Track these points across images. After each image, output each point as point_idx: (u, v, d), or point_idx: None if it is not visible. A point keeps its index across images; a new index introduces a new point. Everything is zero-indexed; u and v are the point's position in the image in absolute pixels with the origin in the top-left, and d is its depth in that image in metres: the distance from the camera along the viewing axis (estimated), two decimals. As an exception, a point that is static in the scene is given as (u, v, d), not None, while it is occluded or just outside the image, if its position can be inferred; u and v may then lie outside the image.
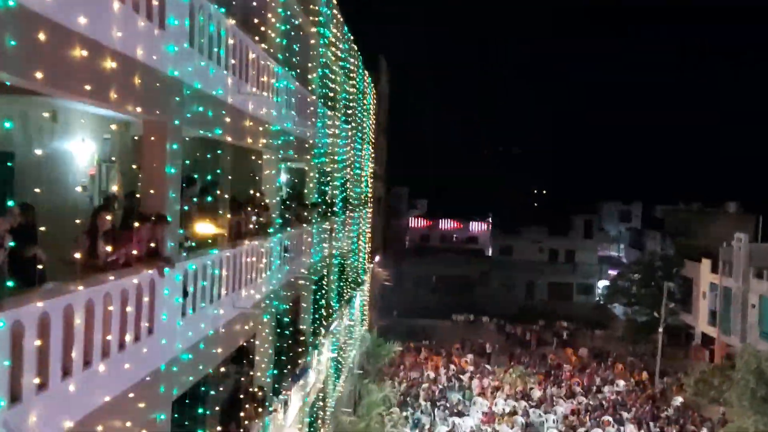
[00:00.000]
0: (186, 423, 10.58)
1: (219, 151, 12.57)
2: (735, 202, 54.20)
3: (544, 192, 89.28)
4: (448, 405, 35.03)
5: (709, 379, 31.02)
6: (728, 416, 27.91)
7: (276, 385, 14.81)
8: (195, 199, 9.71)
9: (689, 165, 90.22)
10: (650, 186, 79.15)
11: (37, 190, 8.26)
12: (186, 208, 9.03)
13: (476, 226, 77.01)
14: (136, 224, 7.32)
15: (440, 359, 43.07)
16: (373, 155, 37.91)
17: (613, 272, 60.58)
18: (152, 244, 7.55)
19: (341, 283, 26.12)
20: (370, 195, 37.05)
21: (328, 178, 21.80)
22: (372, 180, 38.81)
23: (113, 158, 11.32)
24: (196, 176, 10.47)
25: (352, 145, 27.57)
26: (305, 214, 17.50)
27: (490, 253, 69.96)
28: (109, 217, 7.05)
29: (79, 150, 11.77)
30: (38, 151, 10.60)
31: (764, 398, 24.68)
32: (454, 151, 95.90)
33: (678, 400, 36.11)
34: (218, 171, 12.41)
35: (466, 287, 63.85)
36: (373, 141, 37.78)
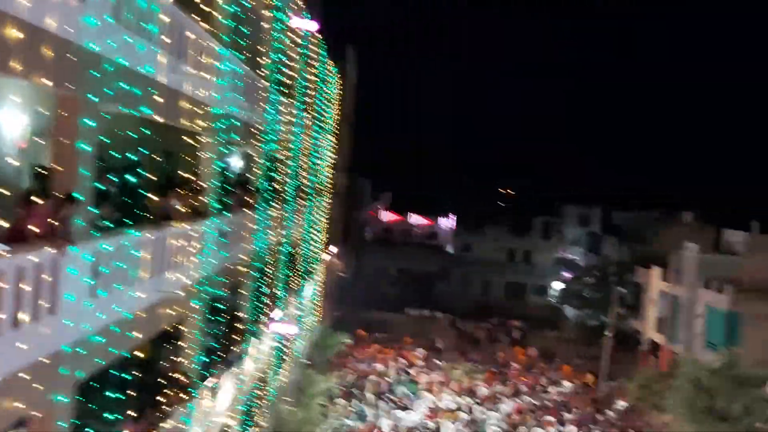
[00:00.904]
0: (99, 407, 10.34)
1: (148, 132, 12.25)
2: (691, 212, 54.99)
3: (511, 192, 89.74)
4: (394, 398, 35.09)
5: (652, 386, 31.48)
6: (671, 426, 28.37)
7: (204, 372, 14.61)
8: (115, 179, 9.45)
9: (652, 171, 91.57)
10: (612, 191, 79.98)
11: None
12: (104, 187, 8.77)
13: (440, 222, 77.36)
14: (38, 201, 7.06)
15: (391, 352, 43.11)
16: (334, 145, 37.68)
17: (568, 275, 61.29)
18: (56, 223, 7.29)
19: (290, 273, 25.91)
20: (328, 185, 36.84)
21: (279, 165, 21.55)
22: (332, 170, 38.58)
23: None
24: (119, 156, 10.20)
25: (309, 133, 27.34)
26: (248, 199, 17.26)
27: (451, 249, 70.29)
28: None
29: (9, 121, 11.44)
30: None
31: (701, 410, 25.12)
32: (423, 145, 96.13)
33: (621, 403, 36.67)
34: (150, 152, 12.11)
35: (425, 282, 64.13)
36: (335, 131, 37.55)
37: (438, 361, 41.52)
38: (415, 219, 78.28)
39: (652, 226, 55.94)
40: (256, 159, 18.82)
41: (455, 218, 74.69)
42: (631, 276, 48.61)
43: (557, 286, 63.52)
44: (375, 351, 43.46)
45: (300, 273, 28.55)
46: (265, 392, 22.99)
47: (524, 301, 63.68)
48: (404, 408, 33.85)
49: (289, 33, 20.72)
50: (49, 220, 7.22)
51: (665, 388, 28.61)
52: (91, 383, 9.59)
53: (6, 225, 6.88)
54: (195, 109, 12.01)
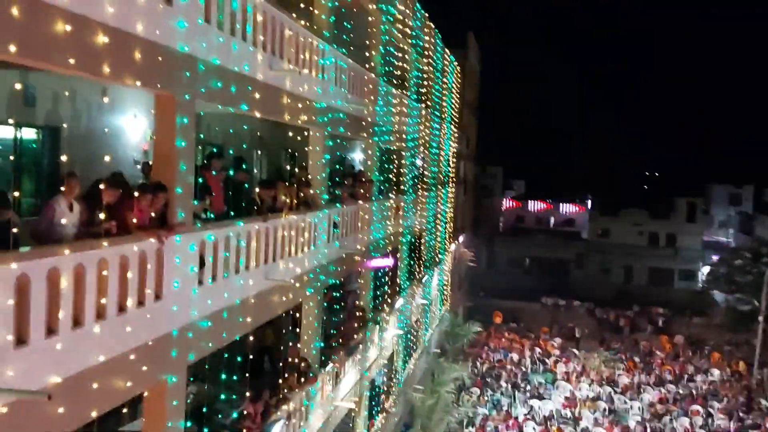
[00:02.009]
0: (216, 389, 11.00)
1: (255, 128, 12.85)
2: None
3: (648, 174, 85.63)
4: (529, 388, 34.59)
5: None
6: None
7: (323, 357, 15.11)
8: (214, 172, 9.99)
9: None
10: (764, 169, 74.24)
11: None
12: (200, 180, 9.31)
13: (573, 209, 75.23)
14: (136, 194, 7.63)
15: (526, 342, 42.47)
16: (455, 135, 37.56)
17: (717, 258, 57.62)
18: (152, 214, 7.85)
19: (413, 262, 26.18)
20: (451, 175, 36.78)
21: (394, 157, 21.81)
22: (455, 160, 38.49)
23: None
24: (224, 150, 10.76)
25: (426, 124, 27.43)
26: (362, 191, 17.62)
27: (586, 236, 68.07)
28: (110, 190, 7.40)
29: (131, 125, 12.40)
30: (87, 126, 11.27)
31: None
32: (555, 130, 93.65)
33: (777, 392, 34.13)
34: (258, 148, 12.68)
35: (560, 270, 62.57)
36: (456, 120, 37.42)
37: (575, 350, 40.42)
38: (547, 205, 76.53)
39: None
40: (369, 151, 19.14)
41: (592, 203, 72.26)
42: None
43: (706, 270, 59.86)
44: (510, 340, 42.96)
45: (424, 262, 28.76)
46: (392, 379, 23.42)
47: (670, 287, 60.42)
48: (540, 397, 33.29)
49: (398, 25, 20.90)
50: (148, 211, 7.77)
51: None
52: (206, 365, 10.23)
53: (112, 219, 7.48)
54: (297, 104, 12.43)
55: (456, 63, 36.56)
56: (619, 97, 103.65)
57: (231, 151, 11.95)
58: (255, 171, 16.62)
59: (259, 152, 17.32)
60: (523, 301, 51.57)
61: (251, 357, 12.32)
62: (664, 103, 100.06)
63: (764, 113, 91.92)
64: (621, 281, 61.80)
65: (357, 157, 23.36)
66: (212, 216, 9.62)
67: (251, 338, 11.77)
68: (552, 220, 75.24)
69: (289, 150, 18.43)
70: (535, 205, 76.51)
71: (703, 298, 53.89)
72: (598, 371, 36.41)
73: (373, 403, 20.69)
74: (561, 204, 75.46)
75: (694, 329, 47.20)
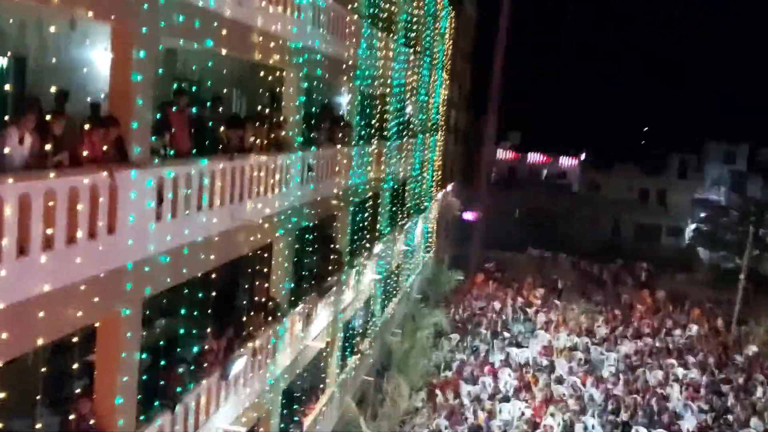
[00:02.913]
0: (187, 324, 11.18)
1: (235, 68, 12.74)
2: None
3: (646, 129, 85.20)
4: (508, 336, 35.10)
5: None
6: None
7: (294, 298, 15.32)
8: (174, 108, 9.95)
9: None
10: (760, 127, 73.82)
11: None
12: (158, 116, 9.28)
13: (572, 162, 75.01)
14: (87, 127, 7.63)
15: (509, 291, 42.93)
16: (447, 82, 37.25)
17: (705, 216, 57.87)
18: (105, 148, 7.86)
19: (395, 209, 26.29)
20: (441, 123, 36.61)
21: (377, 101, 21.69)
22: (445, 108, 38.26)
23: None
24: (201, 88, 10.69)
25: (415, 70, 27.19)
26: (340, 135, 17.58)
27: (577, 189, 68.17)
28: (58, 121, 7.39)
29: (102, 59, 12.27)
30: (54, 58, 11.15)
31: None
32: (552, 82, 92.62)
33: (752, 349, 34.74)
34: (227, 86, 12.59)
35: (549, 222, 62.77)
36: (448, 68, 37.07)
37: (557, 301, 40.89)
38: (542, 157, 76.30)
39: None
40: (350, 95, 19.02)
41: (585, 156, 72.11)
42: (772, 216, 45.22)
43: (693, 227, 60.21)
44: (493, 289, 43.42)
45: (408, 209, 28.88)
46: (369, 322, 23.78)
47: (657, 243, 60.84)
48: (518, 345, 33.84)
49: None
50: (100, 145, 7.78)
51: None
52: (164, 300, 10.38)
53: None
54: (269, 42, 12.30)
55: (450, 9, 36.02)
56: (619, 50, 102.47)
57: (194, 89, 11.85)
58: (235, 111, 16.56)
59: (239, 92, 17.21)
60: (510, 251, 51.94)
61: (219, 294, 12.51)
62: (665, 57, 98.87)
63: (764, 72, 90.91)
64: (609, 235, 62.14)
65: (344, 101, 23.21)
66: (172, 153, 9.61)
67: (219, 276, 11.95)
68: (545, 172, 75.12)
69: (271, 91, 18.30)
70: (534, 157, 76.27)
71: (688, 254, 54.33)
72: (577, 322, 36.92)
73: (347, 344, 21.05)
74: (560, 157, 75.17)
75: (677, 285, 47.72)
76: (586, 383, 29.68)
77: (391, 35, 22.73)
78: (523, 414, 26.13)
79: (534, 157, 75.58)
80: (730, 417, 27.43)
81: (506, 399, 27.44)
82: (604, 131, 78.75)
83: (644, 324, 38.54)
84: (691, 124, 76.89)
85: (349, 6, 17.65)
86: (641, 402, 28.02)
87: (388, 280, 26.14)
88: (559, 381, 29.85)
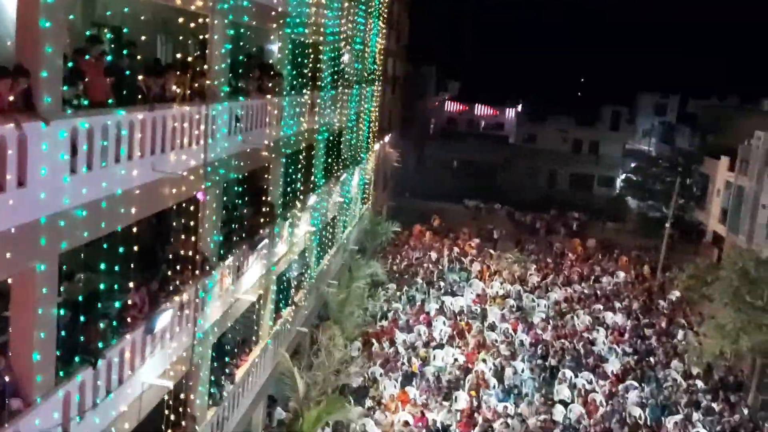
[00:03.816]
0: (109, 279, 10.95)
1: (161, 13, 12.28)
2: (770, 99, 51.99)
3: (580, 80, 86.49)
4: (444, 285, 35.74)
5: (705, 276, 30.83)
6: (716, 316, 27.87)
7: (223, 251, 15.18)
8: (87, 57, 9.57)
9: (733, 59, 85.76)
10: (691, 79, 75.78)
11: None
12: (70, 64, 8.92)
13: (507, 113, 75.71)
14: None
15: (446, 241, 43.53)
16: (384, 31, 36.83)
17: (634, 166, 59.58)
18: (11, 98, 7.52)
19: (330, 160, 26.14)
20: (378, 72, 36.31)
21: (309, 50, 21.30)
22: (382, 57, 37.90)
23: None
24: (105, 35, 10.28)
25: (350, 18, 26.74)
26: (270, 84, 17.24)
27: (513, 140, 69.06)
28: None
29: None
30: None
31: (745, 300, 24.57)
32: (490, 32, 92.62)
33: (675, 294, 36.28)
34: (149, 33, 12.15)
35: (487, 174, 63.57)
36: (384, 16, 36.59)
37: (492, 251, 41.71)
38: (482, 109, 76.80)
39: (729, 114, 53.23)
40: (280, 43, 18.62)
41: (522, 108, 72.90)
42: (698, 166, 46.89)
43: (624, 177, 61.97)
44: (430, 240, 43.96)
45: (344, 161, 28.75)
46: (304, 274, 23.80)
47: (590, 193, 62.46)
48: (453, 294, 34.51)
49: None
50: (7, 96, 7.44)
51: (715, 279, 28.02)
52: (82, 255, 10.14)
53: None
54: (190, -12, 11.88)
55: (386, -44, 35.41)
56: (557, 3, 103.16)
57: (108, 36, 11.40)
58: (158, 58, 16.02)
59: (164, 39, 16.63)
60: (448, 203, 52.51)
61: (144, 248, 12.29)
62: (599, 9, 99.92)
63: (698, 24, 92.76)
64: (544, 186, 63.39)
65: (275, 49, 22.71)
66: (86, 103, 9.26)
67: (144, 229, 11.71)
68: (482, 123, 75.73)
69: (197, 38, 17.74)
70: (481, 109, 76.61)
71: (619, 204, 55.95)
72: (510, 271, 37.79)
73: (281, 296, 21.06)
74: (507, 110, 75.68)
75: (608, 233, 49.21)
76: (517, 329, 30.62)
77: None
78: (456, 360, 26.85)
79: (480, 110, 76.00)
80: (652, 359, 28.77)
81: (440, 346, 28.11)
82: (539, 83, 79.59)
83: (574, 272, 39.78)
84: (624, 76, 78.38)
85: (278, -49, 17.13)
86: (569, 346, 29.10)
87: (324, 232, 26.12)
88: (492, 328, 30.72)
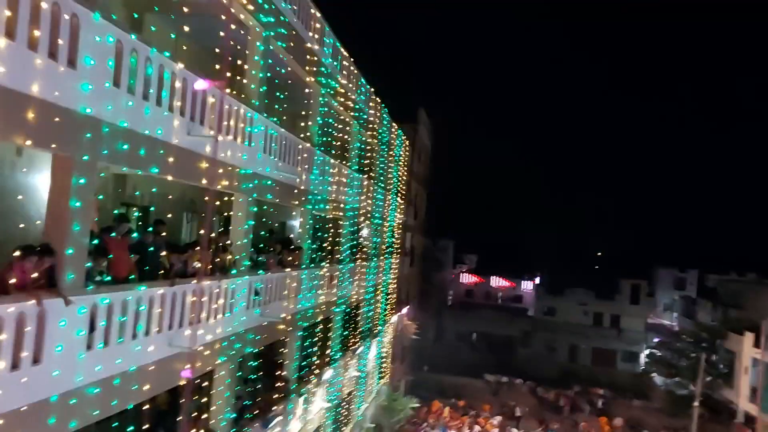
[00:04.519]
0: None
1: (186, 192, 12.79)
2: (790, 274, 51.72)
3: (597, 254, 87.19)
4: (464, 466, 34.01)
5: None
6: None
7: (235, 429, 14.70)
8: (113, 234, 9.86)
9: (749, 235, 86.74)
10: (709, 254, 76.26)
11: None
12: (95, 241, 9.17)
13: (524, 285, 75.79)
14: (17, 254, 7.48)
15: (466, 419, 41.94)
16: (402, 206, 37.90)
17: (658, 341, 58.34)
18: (35, 275, 7.68)
19: (347, 333, 25.93)
20: (396, 246, 36.92)
21: (329, 225, 21.84)
22: (401, 231, 38.71)
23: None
24: (134, 213, 10.64)
25: (369, 194, 27.65)
26: (290, 258, 17.54)
27: (533, 313, 68.50)
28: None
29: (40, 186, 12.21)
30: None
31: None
32: (507, 207, 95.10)
33: (710, 479, 34.13)
34: (175, 211, 12.58)
35: (506, 347, 62.54)
36: (402, 192, 37.83)
37: (514, 430, 40.00)
38: (498, 281, 77.01)
39: (748, 289, 52.80)
40: (301, 218, 19.15)
41: (540, 281, 73.00)
42: (722, 342, 45.82)
43: (648, 353, 60.51)
44: (449, 417, 42.37)
45: (361, 334, 28.49)
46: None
47: (613, 368, 60.81)
48: (474, 477, 32.74)
49: (339, 98, 21.29)
50: (31, 273, 7.59)
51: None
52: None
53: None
54: (217, 169, 12.43)
55: (405, 137, 37.21)
56: (571, 179, 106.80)
57: (136, 214, 11.81)
58: (184, 236, 16.48)
59: (190, 215, 17.20)
60: (467, 377, 51.26)
61: (153, 427, 11.95)
62: (615, 186, 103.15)
63: (710, 201, 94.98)
64: (565, 360, 61.98)
65: (296, 224, 23.33)
66: (108, 279, 9.42)
67: (154, 407, 11.44)
68: (500, 295, 75.62)
69: (224, 215, 18.35)
70: (497, 281, 77.01)
71: (644, 380, 54.24)
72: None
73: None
74: (522, 282, 75.99)
75: (634, 412, 47.29)
76: None
77: (345, 162, 23.24)
78: None
79: (496, 282, 76.31)
80: None
81: None
82: (557, 256, 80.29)
83: (602, 453, 37.80)
84: (640, 250, 79.02)
85: (302, 135, 18.09)
86: None
87: (339, 408, 25.35)
88: None
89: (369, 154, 27.34)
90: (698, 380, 38.96)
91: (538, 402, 48.80)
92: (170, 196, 13.75)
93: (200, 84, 10.76)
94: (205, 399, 13.34)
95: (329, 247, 21.99)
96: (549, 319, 65.07)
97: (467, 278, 76.71)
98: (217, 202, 14.24)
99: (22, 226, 10.38)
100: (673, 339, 52.60)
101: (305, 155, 18.03)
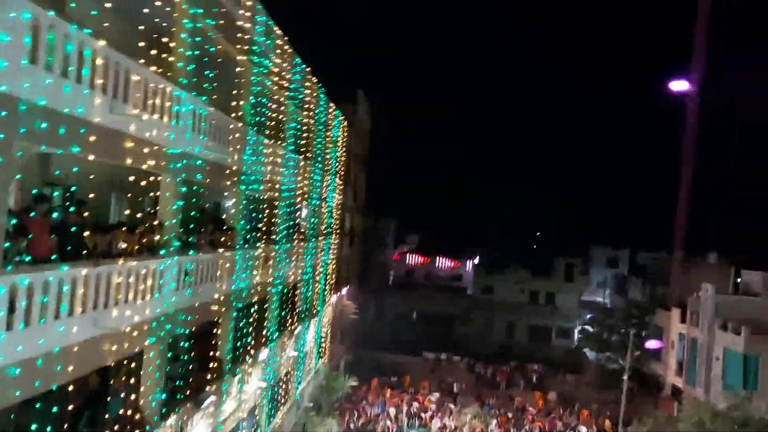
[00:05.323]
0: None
1: (115, 171, 12.62)
2: (715, 252, 53.86)
3: (536, 234, 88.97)
4: (402, 442, 34.62)
5: (663, 430, 30.52)
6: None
7: (165, 408, 14.67)
8: (32, 214, 9.72)
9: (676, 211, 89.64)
10: (641, 233, 78.66)
11: None
12: (14, 221, 9.03)
13: (466, 265, 76.94)
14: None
15: (404, 396, 42.59)
16: (341, 187, 38.01)
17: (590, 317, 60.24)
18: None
19: (284, 313, 26.00)
20: (335, 226, 37.05)
21: (263, 206, 21.81)
22: (341, 212, 38.84)
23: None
24: (53, 193, 10.50)
25: (306, 175, 27.66)
26: (223, 239, 17.48)
27: (471, 291, 69.76)
28: None
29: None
30: None
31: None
32: (449, 187, 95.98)
33: (637, 449, 35.58)
34: (98, 191, 12.43)
35: (446, 325, 63.59)
36: (341, 173, 37.92)
37: (452, 405, 40.86)
38: (443, 262, 78.01)
39: (675, 266, 54.88)
40: (234, 198, 19.08)
41: (477, 260, 74.26)
42: (652, 318, 47.62)
43: (581, 329, 62.44)
44: (388, 395, 42.97)
45: (299, 314, 28.61)
46: (255, 433, 22.91)
47: (549, 344, 62.61)
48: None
49: (273, 77, 21.19)
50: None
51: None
52: (12, 416, 9.75)
53: None
54: (142, 149, 12.32)
55: (343, 117, 37.23)
56: (514, 159, 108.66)
57: (56, 194, 11.64)
58: (112, 216, 16.23)
59: (119, 196, 16.94)
60: (407, 355, 51.99)
61: (80, 407, 11.86)
62: (556, 166, 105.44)
63: (642, 182, 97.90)
64: (503, 337, 63.43)
65: (229, 204, 23.21)
66: (28, 259, 9.30)
67: (81, 387, 11.35)
68: (441, 275, 76.65)
69: (153, 195, 18.12)
70: (443, 262, 77.91)
71: (577, 355, 55.98)
72: (470, 426, 36.88)
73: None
74: (467, 261, 77.04)
75: (567, 386, 48.80)
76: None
77: (280, 142, 23.18)
78: None
79: (442, 263, 77.28)
80: None
81: None
82: (496, 236, 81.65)
83: (536, 426, 38.93)
84: (576, 229, 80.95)
85: (234, 115, 17.98)
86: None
87: (276, 388, 25.46)
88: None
89: (305, 135, 27.32)
90: (628, 355, 40.43)
91: (476, 378, 49.92)
92: (93, 176, 13.52)
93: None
94: (134, 380, 13.28)
95: (265, 228, 21.96)
96: (487, 297, 66.40)
97: (413, 259, 77.40)
98: (145, 182, 14.10)
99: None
100: (605, 315, 54.36)
101: (237, 135, 17.94)
